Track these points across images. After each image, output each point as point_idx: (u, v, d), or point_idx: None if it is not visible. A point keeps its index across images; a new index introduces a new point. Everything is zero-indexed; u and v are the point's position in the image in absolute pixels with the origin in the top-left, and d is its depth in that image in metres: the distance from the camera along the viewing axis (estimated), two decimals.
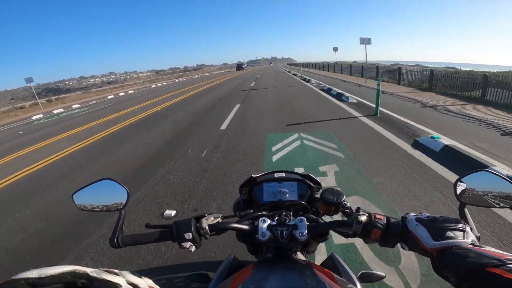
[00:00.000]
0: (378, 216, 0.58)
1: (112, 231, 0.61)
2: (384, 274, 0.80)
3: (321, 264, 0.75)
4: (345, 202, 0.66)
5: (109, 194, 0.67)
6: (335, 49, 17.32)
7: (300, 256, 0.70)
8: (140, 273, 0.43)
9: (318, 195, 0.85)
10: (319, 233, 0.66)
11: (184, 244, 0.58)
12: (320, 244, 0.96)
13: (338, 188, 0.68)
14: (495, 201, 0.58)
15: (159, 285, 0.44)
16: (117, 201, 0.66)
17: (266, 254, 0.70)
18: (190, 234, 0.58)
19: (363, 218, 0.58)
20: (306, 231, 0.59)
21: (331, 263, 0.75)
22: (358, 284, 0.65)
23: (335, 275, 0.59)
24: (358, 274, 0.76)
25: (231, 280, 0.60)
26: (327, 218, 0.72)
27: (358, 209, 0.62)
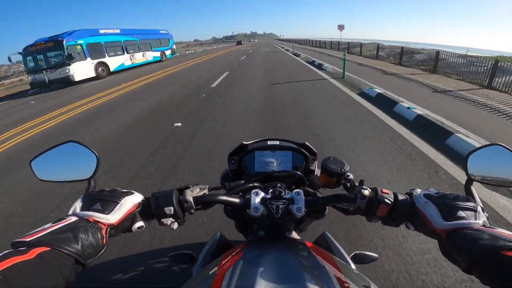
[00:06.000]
0: (384, 191, 0.51)
1: None
2: (376, 256, 0.79)
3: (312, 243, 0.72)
4: (348, 174, 0.59)
5: (75, 161, 0.56)
6: (341, 27, 15.89)
7: (294, 234, 0.65)
8: None
9: (313, 167, 0.79)
10: (317, 209, 0.61)
11: (164, 220, 0.50)
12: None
13: (340, 158, 0.60)
14: (507, 180, 0.53)
15: (141, 269, 0.38)
16: (85, 168, 0.56)
17: (258, 232, 0.64)
18: (172, 208, 0.50)
19: (368, 192, 0.52)
20: (304, 206, 0.52)
21: (323, 242, 0.71)
22: (352, 265, 0.61)
23: (334, 257, 0.54)
24: (351, 255, 0.74)
25: (219, 261, 0.54)
26: (323, 193, 0.67)
27: (361, 181, 0.55)
